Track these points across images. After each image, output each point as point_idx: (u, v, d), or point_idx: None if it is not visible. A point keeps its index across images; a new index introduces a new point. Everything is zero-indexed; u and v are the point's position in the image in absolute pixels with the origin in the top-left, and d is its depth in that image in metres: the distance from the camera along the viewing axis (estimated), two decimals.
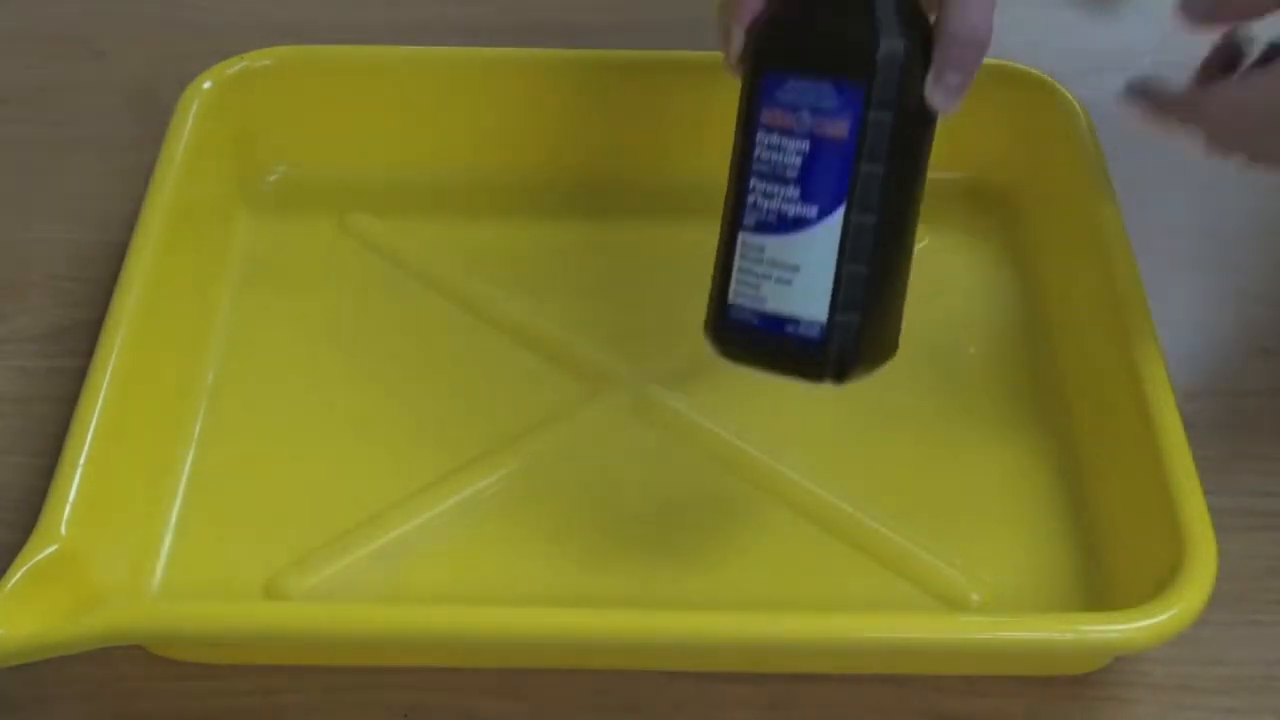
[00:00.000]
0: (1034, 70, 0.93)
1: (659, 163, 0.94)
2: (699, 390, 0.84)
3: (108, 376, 0.76)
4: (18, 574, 0.69)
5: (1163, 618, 0.68)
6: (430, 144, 0.94)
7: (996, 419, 0.84)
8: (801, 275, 0.69)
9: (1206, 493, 0.72)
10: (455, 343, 0.87)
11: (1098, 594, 0.76)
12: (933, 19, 0.71)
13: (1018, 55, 0.94)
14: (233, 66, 0.92)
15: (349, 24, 1.08)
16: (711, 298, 0.72)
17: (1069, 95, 0.91)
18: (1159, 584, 0.69)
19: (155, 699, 0.73)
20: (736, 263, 0.70)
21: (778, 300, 0.70)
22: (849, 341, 0.70)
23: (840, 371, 0.70)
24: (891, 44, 0.68)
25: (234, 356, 0.86)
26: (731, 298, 0.71)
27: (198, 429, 0.82)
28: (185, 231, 0.85)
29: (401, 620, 0.70)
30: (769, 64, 0.70)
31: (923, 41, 0.70)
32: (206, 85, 0.91)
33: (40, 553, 0.69)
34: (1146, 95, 0.73)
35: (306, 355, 0.86)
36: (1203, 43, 1.04)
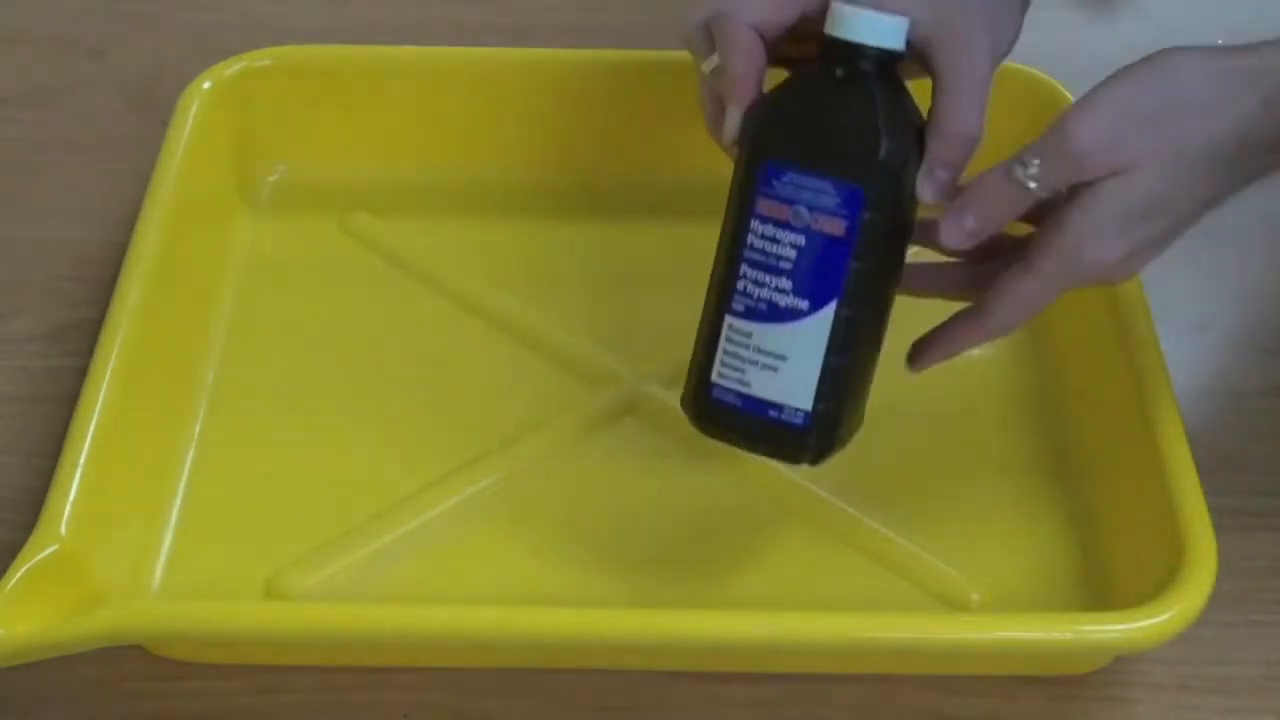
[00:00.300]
0: (1034, 70, 0.93)
1: (659, 163, 0.94)
2: None
3: (108, 376, 0.76)
4: (18, 574, 0.69)
5: (1163, 618, 0.68)
6: (430, 144, 0.94)
7: (997, 419, 0.84)
8: (788, 364, 0.70)
9: (1206, 493, 0.72)
10: (455, 343, 0.87)
11: (1098, 594, 0.76)
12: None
13: (1018, 55, 0.94)
14: (233, 66, 0.92)
15: (349, 24, 1.08)
16: (692, 372, 0.73)
17: (1069, 95, 0.91)
18: (1159, 584, 0.69)
19: (155, 699, 0.73)
20: (721, 344, 0.71)
21: (762, 386, 0.70)
22: (830, 428, 0.71)
23: (819, 456, 0.72)
24: (894, 147, 0.69)
25: (234, 356, 0.86)
26: (714, 377, 0.71)
27: (198, 429, 0.82)
28: (185, 231, 0.85)
29: (401, 620, 0.70)
30: (768, 154, 0.70)
31: (917, 137, 0.70)
32: (206, 85, 0.91)
33: (40, 553, 0.69)
34: (935, 345, 0.73)
35: (306, 355, 0.86)
36: (1198, 44, 1.04)
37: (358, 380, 0.85)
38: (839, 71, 0.69)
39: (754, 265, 0.70)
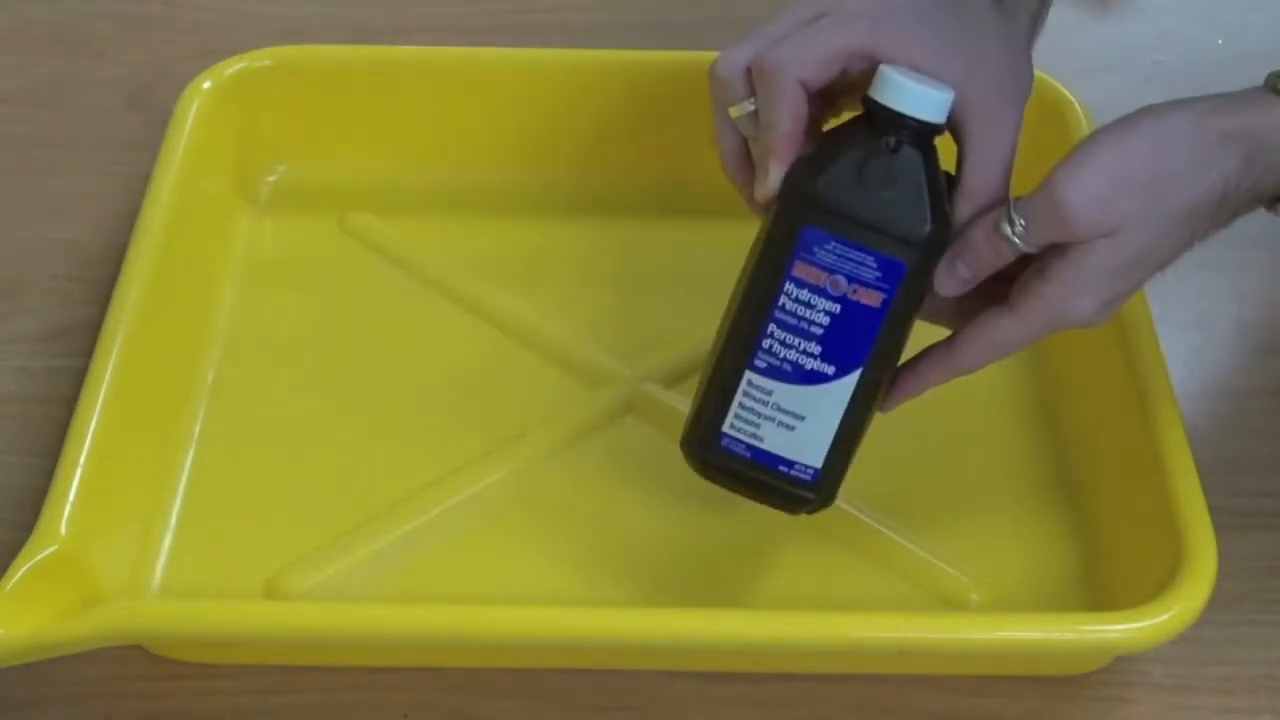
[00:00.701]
0: (1034, 70, 0.92)
1: (659, 163, 0.94)
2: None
3: (108, 376, 0.76)
4: (18, 574, 0.69)
5: (1163, 618, 0.68)
6: (430, 144, 0.94)
7: (997, 419, 0.84)
8: (806, 424, 0.70)
9: (1206, 493, 0.72)
10: (455, 343, 0.87)
11: (1098, 594, 0.76)
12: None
13: None
14: (233, 66, 0.92)
15: (349, 24, 1.08)
16: (698, 418, 0.72)
17: (1069, 95, 0.91)
18: (1159, 584, 0.69)
19: (155, 699, 0.73)
20: (738, 398, 0.71)
21: (776, 442, 0.71)
22: (834, 483, 0.72)
23: (818, 508, 0.73)
24: (938, 224, 0.69)
25: (234, 356, 0.86)
26: (726, 427, 0.71)
27: (198, 429, 0.82)
28: (185, 231, 0.85)
29: (401, 620, 0.70)
30: (811, 221, 0.69)
31: (949, 203, 0.71)
32: (206, 85, 0.91)
33: (40, 553, 0.69)
34: (906, 381, 0.73)
35: (306, 355, 0.86)
36: (1199, 43, 1.04)
37: (357, 380, 0.85)
38: (887, 141, 0.69)
39: (783, 327, 0.70)
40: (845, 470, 0.72)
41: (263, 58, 0.93)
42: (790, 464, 0.71)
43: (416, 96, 0.94)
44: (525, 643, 0.71)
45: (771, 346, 0.70)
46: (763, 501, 0.73)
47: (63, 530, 0.70)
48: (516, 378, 0.85)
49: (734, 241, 0.92)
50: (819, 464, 0.71)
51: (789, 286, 0.69)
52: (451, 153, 0.95)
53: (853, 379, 0.70)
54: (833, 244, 0.69)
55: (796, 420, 0.70)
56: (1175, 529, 0.71)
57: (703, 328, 0.87)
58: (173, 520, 0.78)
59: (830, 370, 0.70)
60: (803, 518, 0.79)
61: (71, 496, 0.72)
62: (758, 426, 0.71)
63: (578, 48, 0.98)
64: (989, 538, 0.79)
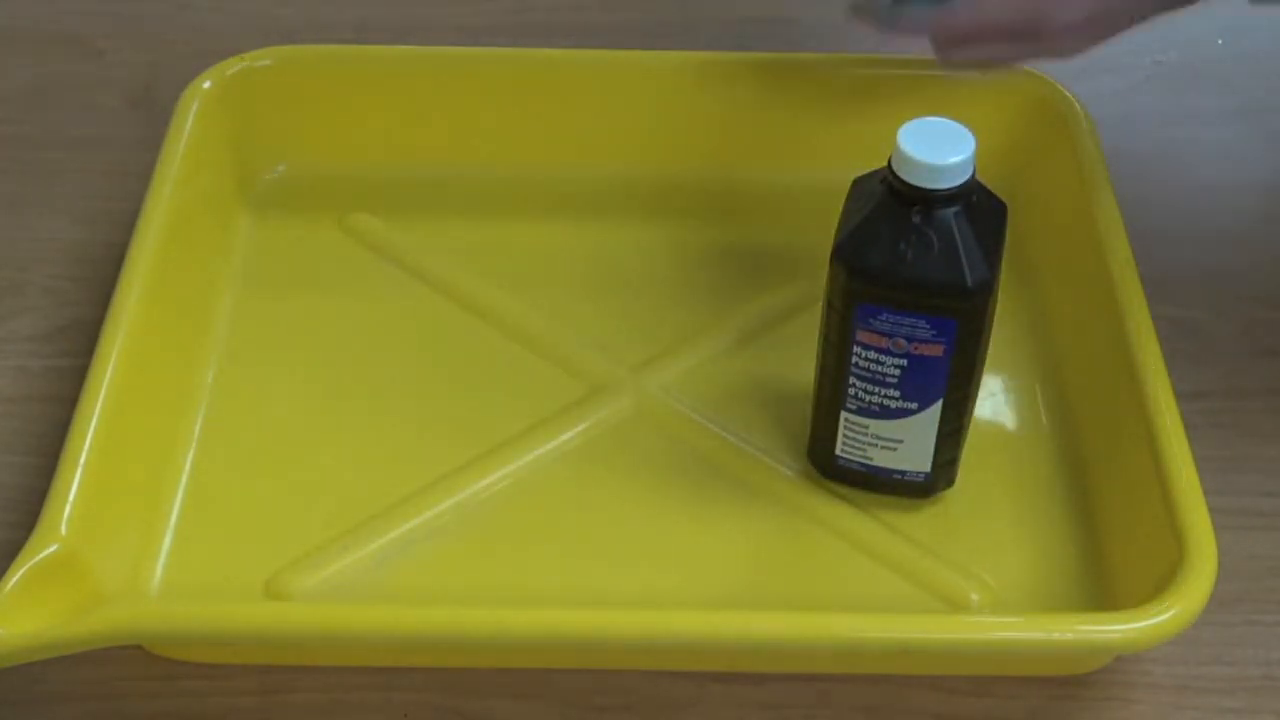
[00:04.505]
0: (1034, 70, 0.93)
1: (660, 163, 0.94)
2: (699, 390, 0.84)
3: (108, 376, 0.76)
4: (18, 574, 0.69)
5: (1163, 618, 0.68)
6: (430, 144, 0.94)
7: (997, 419, 0.84)
8: (905, 445, 0.76)
9: (1206, 493, 0.72)
10: (455, 343, 0.87)
11: (1098, 594, 0.76)
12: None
13: None
14: (233, 66, 0.92)
15: (349, 24, 1.08)
16: (814, 438, 0.79)
17: (1069, 95, 0.91)
18: (1159, 584, 0.69)
19: (155, 699, 0.73)
20: (841, 431, 0.77)
21: (884, 459, 0.77)
22: (949, 470, 0.78)
23: (945, 489, 0.79)
24: (979, 274, 0.71)
25: (234, 356, 0.86)
26: (838, 451, 0.78)
27: (198, 429, 0.82)
28: (185, 231, 0.85)
29: (401, 620, 0.70)
30: (862, 299, 0.72)
31: (995, 234, 0.72)
32: (206, 85, 0.91)
33: (40, 553, 0.69)
34: (871, 14, 0.75)
35: (306, 355, 0.86)
36: (1199, 43, 1.04)
37: (357, 380, 0.85)
38: (916, 212, 0.71)
39: (861, 378, 0.75)
40: (959, 453, 0.78)
41: (263, 58, 0.93)
42: (902, 473, 0.77)
43: (416, 96, 0.94)
44: (525, 643, 0.71)
45: (856, 393, 0.75)
46: (888, 495, 0.78)
47: (63, 530, 0.70)
48: (517, 378, 0.85)
49: (734, 242, 0.92)
50: (928, 468, 0.77)
51: (857, 349, 0.74)
52: (451, 153, 0.95)
53: (936, 408, 0.74)
54: (885, 315, 0.72)
55: (896, 443, 0.76)
56: (1175, 529, 0.71)
57: (703, 328, 0.87)
58: (173, 520, 0.78)
59: (914, 406, 0.74)
60: (800, 516, 0.79)
61: (71, 496, 0.72)
62: (864, 451, 0.77)
63: (578, 48, 0.98)
64: (989, 538, 0.79)
